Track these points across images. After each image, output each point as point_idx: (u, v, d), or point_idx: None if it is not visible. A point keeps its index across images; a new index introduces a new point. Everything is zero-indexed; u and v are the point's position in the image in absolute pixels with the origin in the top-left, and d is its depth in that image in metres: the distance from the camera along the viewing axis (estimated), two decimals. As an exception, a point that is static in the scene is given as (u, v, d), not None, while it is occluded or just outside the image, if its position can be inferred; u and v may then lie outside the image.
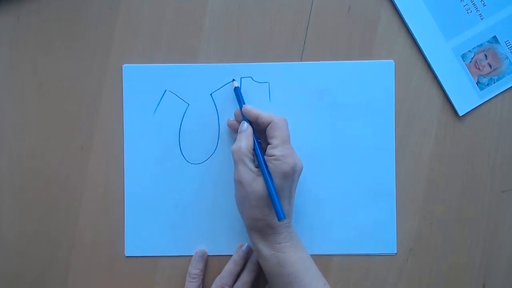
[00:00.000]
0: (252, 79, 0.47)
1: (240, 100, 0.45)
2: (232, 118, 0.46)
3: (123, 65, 0.47)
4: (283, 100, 0.47)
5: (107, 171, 0.47)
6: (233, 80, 0.47)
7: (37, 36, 0.47)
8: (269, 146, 0.41)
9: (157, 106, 0.47)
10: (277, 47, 0.48)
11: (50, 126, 0.47)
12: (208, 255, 0.47)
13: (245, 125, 0.43)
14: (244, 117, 0.44)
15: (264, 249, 0.41)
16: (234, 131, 0.46)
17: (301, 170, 0.42)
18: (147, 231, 0.47)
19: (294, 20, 0.48)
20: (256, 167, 0.41)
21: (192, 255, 0.47)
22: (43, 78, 0.47)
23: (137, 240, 0.47)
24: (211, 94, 0.47)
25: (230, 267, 0.45)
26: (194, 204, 0.47)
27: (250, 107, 0.43)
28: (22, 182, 0.47)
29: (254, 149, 0.42)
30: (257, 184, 0.40)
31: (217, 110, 0.47)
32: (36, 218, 0.47)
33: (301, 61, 0.48)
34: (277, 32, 0.48)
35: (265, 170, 0.40)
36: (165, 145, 0.47)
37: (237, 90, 0.46)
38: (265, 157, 0.41)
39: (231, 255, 0.46)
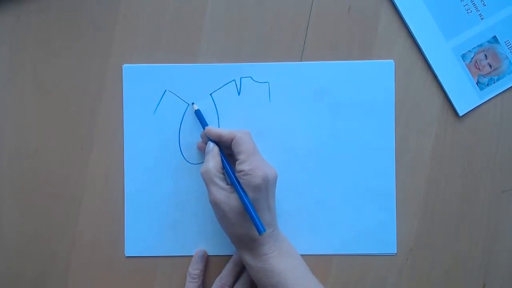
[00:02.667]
0: (252, 79, 0.47)
1: (202, 122, 0.46)
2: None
3: (123, 65, 0.47)
4: (283, 100, 0.47)
5: (107, 171, 0.47)
6: (193, 103, 0.47)
7: (37, 36, 0.47)
8: (236, 162, 0.41)
9: (157, 106, 0.47)
10: (277, 47, 0.48)
11: (50, 126, 0.47)
12: (208, 255, 0.47)
13: (211, 145, 0.43)
14: (209, 138, 0.44)
15: (251, 262, 0.41)
16: (203, 153, 0.45)
17: (275, 178, 0.42)
18: (147, 231, 0.47)
19: (294, 20, 0.48)
20: (229, 184, 0.42)
21: (192, 255, 0.47)
22: (43, 78, 0.47)
23: (137, 240, 0.47)
24: (211, 94, 0.47)
25: (230, 267, 0.45)
26: (194, 204, 0.47)
27: (212, 128, 0.44)
28: (22, 182, 0.47)
29: (223, 168, 0.42)
30: (232, 201, 0.40)
31: (217, 110, 0.47)
32: (36, 218, 0.47)
33: (301, 61, 0.48)
34: (277, 32, 0.48)
35: (238, 187, 0.40)
36: (165, 145, 0.47)
37: (198, 113, 0.46)
38: (236, 173, 0.41)
39: (231, 255, 0.46)
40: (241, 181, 0.40)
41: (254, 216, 0.39)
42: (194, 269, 0.46)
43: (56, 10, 0.47)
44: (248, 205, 0.39)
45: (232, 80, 0.47)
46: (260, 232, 0.39)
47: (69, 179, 0.47)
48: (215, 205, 0.41)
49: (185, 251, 0.47)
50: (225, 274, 0.45)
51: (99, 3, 0.48)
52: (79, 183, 0.47)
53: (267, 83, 0.47)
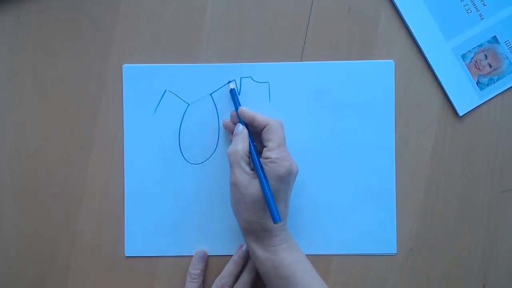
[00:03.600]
0: (252, 79, 0.47)
1: (236, 102, 0.45)
2: (229, 118, 0.46)
3: (123, 65, 0.47)
4: (283, 100, 0.47)
5: (107, 171, 0.47)
6: (229, 82, 0.47)
7: (37, 36, 0.47)
8: (265, 148, 0.41)
9: (157, 106, 0.47)
10: (277, 47, 0.48)
11: (50, 126, 0.47)
12: (208, 255, 0.47)
13: (240, 127, 0.43)
14: (239, 119, 0.44)
15: (259, 252, 0.41)
16: (229, 132, 0.46)
17: (297, 173, 0.42)
18: (147, 231, 0.47)
19: (294, 20, 0.48)
20: (252, 170, 0.42)
21: (192, 255, 0.47)
22: (43, 78, 0.47)
23: (137, 240, 0.47)
24: (211, 94, 0.47)
25: (230, 267, 0.45)
26: (194, 204, 0.47)
27: (246, 109, 0.43)
28: (22, 182, 0.47)
29: (249, 152, 0.42)
30: (253, 187, 0.40)
31: (217, 110, 0.47)
32: (36, 218, 0.47)
33: (301, 61, 0.48)
34: (277, 32, 0.48)
35: (261, 173, 0.40)
36: (165, 145, 0.47)
37: (233, 92, 0.46)
38: (261, 159, 0.41)
39: (231, 255, 0.46)
40: (265, 167, 0.40)
41: (272, 203, 0.39)
42: (194, 269, 0.46)
43: (56, 10, 0.47)
44: (268, 192, 0.39)
45: (232, 80, 0.47)
46: (275, 221, 0.39)
47: (69, 179, 0.47)
48: (235, 187, 0.41)
49: (185, 251, 0.47)
50: (225, 274, 0.45)
51: (99, 3, 0.48)
52: (79, 183, 0.47)
53: (267, 83, 0.47)
